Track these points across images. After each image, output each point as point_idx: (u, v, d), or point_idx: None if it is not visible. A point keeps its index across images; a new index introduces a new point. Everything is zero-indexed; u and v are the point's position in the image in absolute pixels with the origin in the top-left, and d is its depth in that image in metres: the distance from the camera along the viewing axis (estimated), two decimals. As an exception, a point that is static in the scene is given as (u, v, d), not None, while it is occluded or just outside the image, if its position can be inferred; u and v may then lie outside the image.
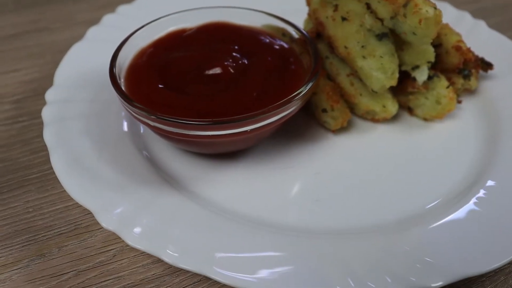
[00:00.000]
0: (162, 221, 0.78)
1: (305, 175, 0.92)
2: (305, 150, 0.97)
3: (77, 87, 1.02)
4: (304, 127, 1.02)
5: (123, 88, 0.89)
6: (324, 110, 0.97)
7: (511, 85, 1.09)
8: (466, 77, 1.06)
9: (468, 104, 1.09)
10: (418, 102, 1.02)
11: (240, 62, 0.93)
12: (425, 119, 1.04)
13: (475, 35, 1.20)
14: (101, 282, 0.77)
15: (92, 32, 1.17)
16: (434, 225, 0.82)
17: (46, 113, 0.94)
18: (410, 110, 1.05)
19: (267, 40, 1.01)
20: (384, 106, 0.99)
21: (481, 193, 0.87)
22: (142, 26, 1.00)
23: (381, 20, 0.94)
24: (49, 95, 0.99)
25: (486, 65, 1.09)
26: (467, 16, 1.27)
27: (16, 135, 1.02)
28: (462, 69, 1.05)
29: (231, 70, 0.91)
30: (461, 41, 1.04)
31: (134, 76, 0.92)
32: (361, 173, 0.94)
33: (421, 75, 0.99)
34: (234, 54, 0.95)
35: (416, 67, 0.99)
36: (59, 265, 0.79)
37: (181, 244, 0.74)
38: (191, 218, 0.79)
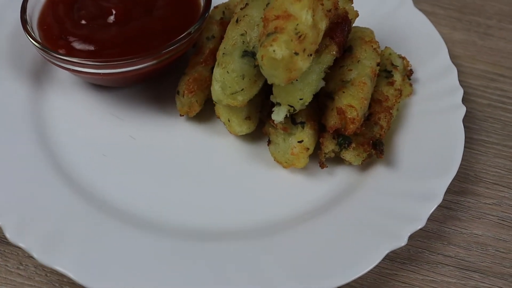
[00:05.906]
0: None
1: (120, 134, 1.00)
2: (150, 116, 1.04)
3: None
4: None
5: (38, 10, 1.01)
6: (178, 92, 1.00)
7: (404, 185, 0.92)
8: (341, 146, 0.93)
9: (341, 173, 0.96)
10: (275, 139, 0.95)
11: (143, 13, 1.01)
12: (274, 159, 0.97)
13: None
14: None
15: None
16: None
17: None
18: (268, 142, 0.99)
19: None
20: (229, 121, 0.96)
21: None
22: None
23: (263, 38, 0.88)
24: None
25: (378, 151, 0.92)
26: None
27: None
28: (339, 136, 0.92)
29: (131, 17, 1.00)
30: (351, 106, 0.90)
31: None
32: (162, 164, 0.98)
33: (276, 114, 0.91)
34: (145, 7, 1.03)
35: (278, 104, 0.91)
36: None
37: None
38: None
